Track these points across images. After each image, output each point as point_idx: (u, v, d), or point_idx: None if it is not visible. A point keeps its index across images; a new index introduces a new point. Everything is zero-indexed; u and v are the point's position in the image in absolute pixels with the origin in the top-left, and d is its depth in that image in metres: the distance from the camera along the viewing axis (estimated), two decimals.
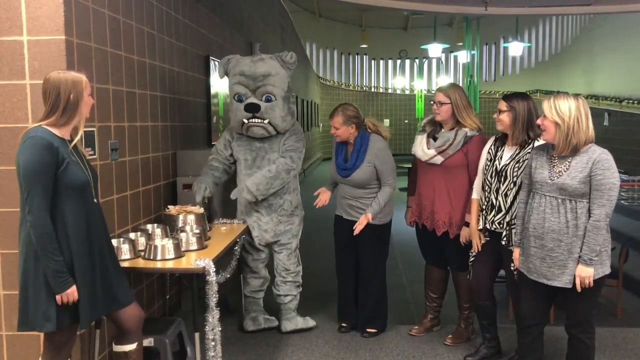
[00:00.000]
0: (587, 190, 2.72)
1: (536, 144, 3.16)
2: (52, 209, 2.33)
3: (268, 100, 3.80)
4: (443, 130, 3.67)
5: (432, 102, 3.70)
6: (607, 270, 2.80)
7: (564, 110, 2.72)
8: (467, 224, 3.55)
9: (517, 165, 3.21)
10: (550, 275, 2.82)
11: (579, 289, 2.74)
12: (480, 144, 3.58)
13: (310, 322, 4.07)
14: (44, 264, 2.30)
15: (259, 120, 3.78)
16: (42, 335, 2.92)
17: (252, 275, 4.05)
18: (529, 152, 3.18)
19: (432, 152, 3.63)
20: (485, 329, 3.55)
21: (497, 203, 3.27)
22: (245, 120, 3.79)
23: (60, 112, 2.37)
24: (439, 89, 3.70)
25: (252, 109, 3.77)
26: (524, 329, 3.07)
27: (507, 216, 3.23)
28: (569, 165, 2.76)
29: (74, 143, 2.43)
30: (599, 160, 2.70)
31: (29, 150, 2.29)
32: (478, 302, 3.52)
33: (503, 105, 3.26)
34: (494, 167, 3.31)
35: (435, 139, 3.66)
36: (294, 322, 4.01)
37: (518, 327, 3.45)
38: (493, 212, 3.30)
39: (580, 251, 2.74)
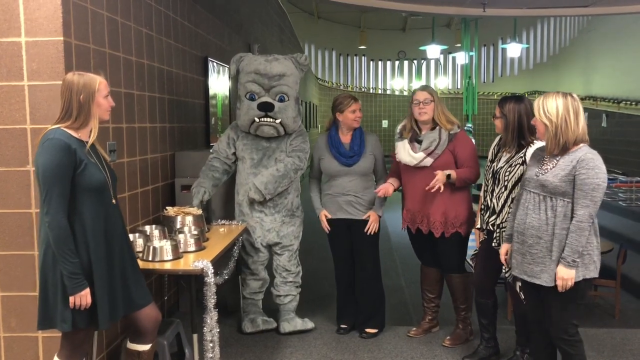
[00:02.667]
0: (568, 189, 2.68)
1: (530, 149, 3.17)
2: (70, 210, 2.34)
3: (281, 100, 3.80)
4: (424, 132, 3.67)
5: (414, 103, 3.64)
6: (588, 274, 2.70)
7: (551, 111, 2.70)
8: None
9: (509, 168, 3.22)
10: (530, 272, 2.81)
11: (560, 289, 2.71)
12: (466, 139, 3.66)
13: (309, 324, 4.07)
14: (60, 265, 2.32)
15: (271, 120, 3.78)
16: (40, 337, 2.93)
17: (251, 277, 4.04)
18: (521, 157, 3.20)
19: (421, 154, 3.62)
20: (485, 328, 3.55)
21: (492, 205, 3.29)
22: (257, 119, 3.77)
23: (75, 114, 2.38)
24: (422, 89, 3.69)
25: (266, 107, 3.76)
26: (531, 329, 3.05)
27: (498, 219, 3.24)
28: (555, 164, 2.74)
29: (89, 145, 2.43)
30: (584, 159, 2.66)
31: (47, 152, 2.30)
32: (479, 301, 3.52)
33: (497, 111, 3.30)
34: (492, 169, 3.34)
35: (419, 142, 3.66)
36: (293, 323, 4.01)
37: (517, 327, 3.46)
38: (488, 213, 3.32)
39: (563, 252, 2.69)
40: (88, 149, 2.42)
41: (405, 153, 3.67)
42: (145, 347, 2.69)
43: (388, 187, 3.74)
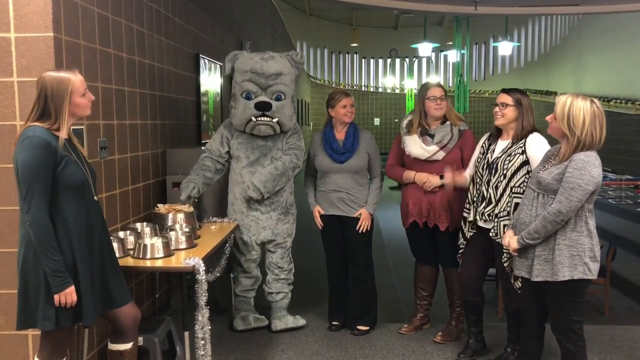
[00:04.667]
0: (559, 188, 2.69)
1: (530, 139, 3.21)
2: (52, 208, 2.32)
3: (278, 99, 3.78)
4: (433, 127, 3.69)
5: (429, 99, 3.65)
6: (576, 275, 2.69)
7: (577, 123, 2.63)
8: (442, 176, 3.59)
9: (507, 158, 3.22)
10: (519, 264, 2.87)
11: (508, 244, 2.90)
12: (472, 139, 3.69)
13: (300, 321, 4.07)
14: (43, 263, 2.30)
15: (268, 119, 3.75)
16: (30, 334, 2.91)
17: (243, 275, 4.03)
18: (520, 147, 3.21)
19: (434, 147, 3.64)
20: (473, 323, 3.57)
21: (488, 195, 3.28)
22: (254, 118, 3.74)
23: (53, 116, 2.36)
24: (436, 85, 3.73)
25: (264, 107, 3.73)
26: (523, 324, 3.08)
27: (496, 208, 3.23)
28: (555, 164, 2.75)
29: (60, 141, 2.38)
30: (575, 159, 2.64)
31: (27, 150, 2.28)
32: (468, 299, 3.53)
33: (509, 100, 3.24)
34: (486, 160, 3.33)
35: (430, 136, 3.67)
36: (285, 320, 4.01)
37: (508, 323, 3.48)
38: (483, 204, 3.30)
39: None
40: (67, 146, 2.39)
41: (417, 146, 3.68)
42: (127, 346, 2.68)
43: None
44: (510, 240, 2.86)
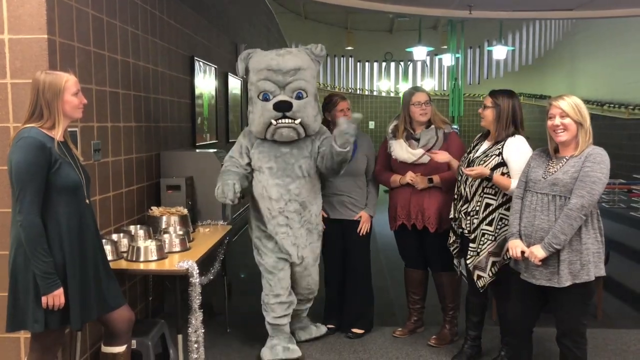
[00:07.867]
0: None
1: (510, 140, 3.23)
2: (45, 209, 2.31)
3: (299, 97, 3.36)
4: (419, 131, 3.72)
5: (414, 105, 3.68)
6: (599, 272, 2.75)
7: (584, 112, 2.76)
8: (431, 180, 3.65)
9: (485, 158, 3.27)
10: (539, 274, 2.82)
11: (530, 256, 2.77)
12: (458, 140, 3.74)
13: (322, 329, 3.95)
14: (32, 265, 2.29)
15: (290, 121, 3.34)
16: (22, 337, 2.89)
17: (276, 301, 3.57)
18: (498, 148, 3.24)
19: (420, 151, 3.66)
20: (474, 326, 3.55)
21: (465, 193, 3.34)
22: (274, 122, 3.33)
23: (46, 114, 2.35)
24: (421, 91, 3.74)
25: (283, 107, 3.32)
26: (512, 331, 3.07)
27: (469, 206, 3.30)
28: (564, 164, 2.78)
29: (55, 143, 2.39)
30: (592, 154, 2.72)
31: (21, 151, 2.27)
32: (474, 299, 3.51)
33: (488, 101, 3.32)
34: (468, 159, 3.38)
35: (416, 140, 3.69)
36: (308, 331, 3.91)
37: (501, 327, 3.48)
38: (461, 202, 3.37)
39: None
40: (62, 148, 2.39)
41: (403, 151, 3.70)
42: (121, 349, 2.67)
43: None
44: (534, 251, 2.76)
